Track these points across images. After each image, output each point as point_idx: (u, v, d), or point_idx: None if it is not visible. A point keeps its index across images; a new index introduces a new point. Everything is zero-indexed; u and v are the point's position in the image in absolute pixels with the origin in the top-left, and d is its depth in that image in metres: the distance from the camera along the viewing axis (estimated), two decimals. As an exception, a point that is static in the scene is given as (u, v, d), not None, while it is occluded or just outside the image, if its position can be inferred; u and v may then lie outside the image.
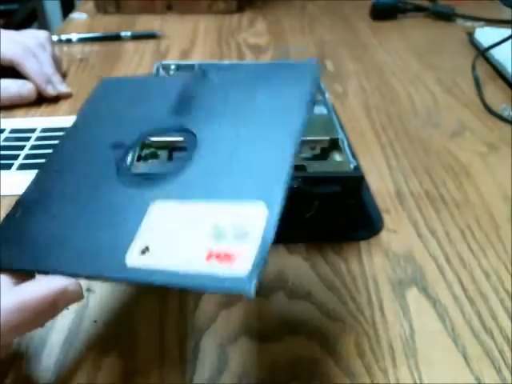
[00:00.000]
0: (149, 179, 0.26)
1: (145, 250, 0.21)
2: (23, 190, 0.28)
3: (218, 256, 0.20)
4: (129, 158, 0.29)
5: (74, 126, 0.32)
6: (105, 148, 0.29)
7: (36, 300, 0.22)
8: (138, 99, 0.32)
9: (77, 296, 0.23)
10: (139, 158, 0.36)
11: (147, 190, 0.25)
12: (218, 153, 0.25)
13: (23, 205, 0.27)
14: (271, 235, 0.20)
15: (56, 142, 0.44)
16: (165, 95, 0.31)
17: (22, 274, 0.24)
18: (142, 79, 0.34)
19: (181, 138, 0.29)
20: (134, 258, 0.21)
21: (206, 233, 0.21)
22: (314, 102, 0.29)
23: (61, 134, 0.46)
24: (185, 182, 0.24)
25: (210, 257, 0.20)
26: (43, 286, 0.22)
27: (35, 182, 0.29)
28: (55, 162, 0.30)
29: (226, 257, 0.20)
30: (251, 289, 0.19)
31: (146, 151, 0.37)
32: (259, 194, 0.22)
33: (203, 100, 0.29)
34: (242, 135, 0.26)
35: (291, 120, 0.25)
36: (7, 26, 0.61)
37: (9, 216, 0.27)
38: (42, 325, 0.23)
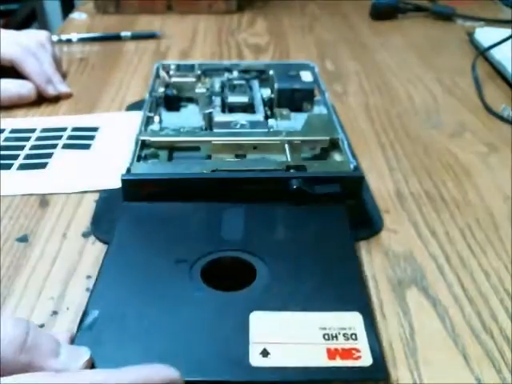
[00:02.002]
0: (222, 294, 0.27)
1: (265, 353, 0.23)
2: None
3: (339, 354, 0.23)
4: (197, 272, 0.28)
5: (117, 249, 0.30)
6: (168, 264, 0.28)
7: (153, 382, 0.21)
8: (175, 223, 0.32)
9: None
10: (139, 159, 0.36)
11: (230, 302, 0.26)
12: (288, 276, 0.28)
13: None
14: (375, 333, 0.25)
15: (55, 142, 0.45)
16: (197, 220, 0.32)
17: None
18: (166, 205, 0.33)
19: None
20: (257, 360, 0.23)
21: (317, 336, 0.24)
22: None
23: (60, 133, 0.46)
24: (265, 294, 0.26)
25: (331, 355, 0.23)
26: (157, 370, 0.21)
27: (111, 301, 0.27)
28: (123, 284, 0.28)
29: (347, 354, 0.23)
30: (384, 373, 0.23)
31: (146, 151, 0.37)
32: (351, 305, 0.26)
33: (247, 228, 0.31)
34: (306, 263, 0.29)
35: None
36: (7, 26, 0.62)
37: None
38: None
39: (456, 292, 0.31)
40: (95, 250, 0.34)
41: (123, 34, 0.72)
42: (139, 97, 0.54)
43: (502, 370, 0.27)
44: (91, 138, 0.46)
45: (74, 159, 0.43)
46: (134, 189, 0.33)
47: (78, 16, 0.82)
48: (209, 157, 0.37)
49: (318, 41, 0.73)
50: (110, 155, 0.43)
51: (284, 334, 0.24)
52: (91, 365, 0.22)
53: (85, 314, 0.25)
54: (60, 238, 0.35)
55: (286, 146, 0.37)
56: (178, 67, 0.49)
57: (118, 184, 0.33)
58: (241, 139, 0.38)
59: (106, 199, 0.38)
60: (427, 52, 0.69)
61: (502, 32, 0.65)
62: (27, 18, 1.66)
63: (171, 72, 0.49)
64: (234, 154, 0.37)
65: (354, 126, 0.50)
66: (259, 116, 0.42)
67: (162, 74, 0.48)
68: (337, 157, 0.38)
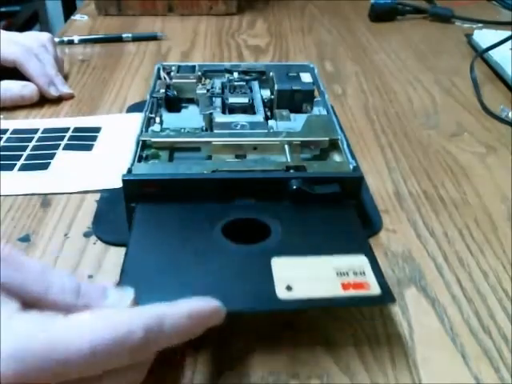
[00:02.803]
0: (243, 244, 0.30)
1: (289, 288, 0.27)
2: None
3: (352, 286, 0.27)
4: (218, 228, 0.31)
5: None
6: (191, 227, 0.32)
7: (202, 311, 0.23)
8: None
9: (219, 321, 0.24)
10: (140, 159, 0.36)
11: (252, 252, 0.30)
12: (297, 236, 0.31)
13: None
14: (380, 271, 0.28)
15: (57, 142, 0.45)
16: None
17: None
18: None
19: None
20: (283, 294, 0.26)
21: (331, 273, 0.28)
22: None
23: (62, 134, 0.47)
24: (279, 245, 0.30)
25: (345, 287, 0.27)
26: (203, 301, 0.23)
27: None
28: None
29: (358, 285, 0.27)
30: (392, 298, 0.27)
31: (146, 152, 0.38)
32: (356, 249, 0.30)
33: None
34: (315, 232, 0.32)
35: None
36: (9, 28, 0.62)
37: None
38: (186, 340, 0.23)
39: (454, 291, 0.32)
40: (96, 250, 0.34)
41: (124, 35, 0.72)
42: (140, 98, 0.54)
43: (500, 368, 0.27)
44: (93, 138, 0.46)
45: (76, 160, 0.43)
46: (135, 189, 0.33)
47: (79, 18, 0.82)
48: (209, 157, 0.38)
49: (318, 42, 0.74)
50: (111, 156, 0.44)
51: (303, 274, 0.28)
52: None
53: (123, 272, 0.28)
54: (62, 237, 0.35)
55: (286, 146, 0.37)
56: (179, 68, 0.50)
57: (119, 184, 0.34)
58: (241, 140, 0.38)
59: (107, 199, 0.39)
60: (426, 53, 0.70)
61: (500, 34, 0.66)
62: (29, 19, 1.66)
63: (172, 73, 0.49)
64: (234, 154, 0.37)
65: (353, 126, 0.50)
66: (259, 117, 0.42)
67: (163, 75, 0.48)
68: (336, 157, 0.38)
